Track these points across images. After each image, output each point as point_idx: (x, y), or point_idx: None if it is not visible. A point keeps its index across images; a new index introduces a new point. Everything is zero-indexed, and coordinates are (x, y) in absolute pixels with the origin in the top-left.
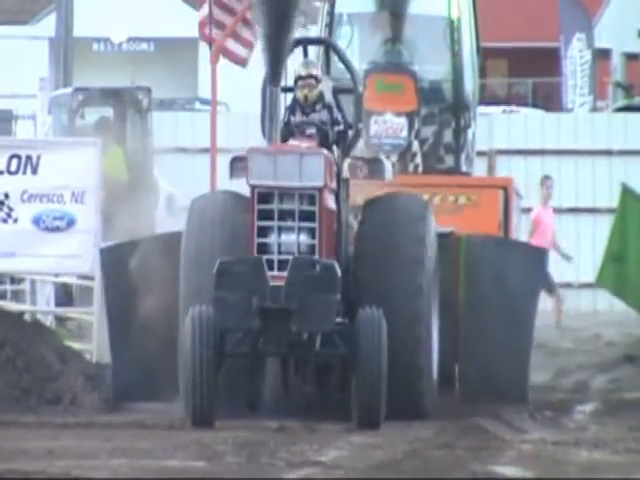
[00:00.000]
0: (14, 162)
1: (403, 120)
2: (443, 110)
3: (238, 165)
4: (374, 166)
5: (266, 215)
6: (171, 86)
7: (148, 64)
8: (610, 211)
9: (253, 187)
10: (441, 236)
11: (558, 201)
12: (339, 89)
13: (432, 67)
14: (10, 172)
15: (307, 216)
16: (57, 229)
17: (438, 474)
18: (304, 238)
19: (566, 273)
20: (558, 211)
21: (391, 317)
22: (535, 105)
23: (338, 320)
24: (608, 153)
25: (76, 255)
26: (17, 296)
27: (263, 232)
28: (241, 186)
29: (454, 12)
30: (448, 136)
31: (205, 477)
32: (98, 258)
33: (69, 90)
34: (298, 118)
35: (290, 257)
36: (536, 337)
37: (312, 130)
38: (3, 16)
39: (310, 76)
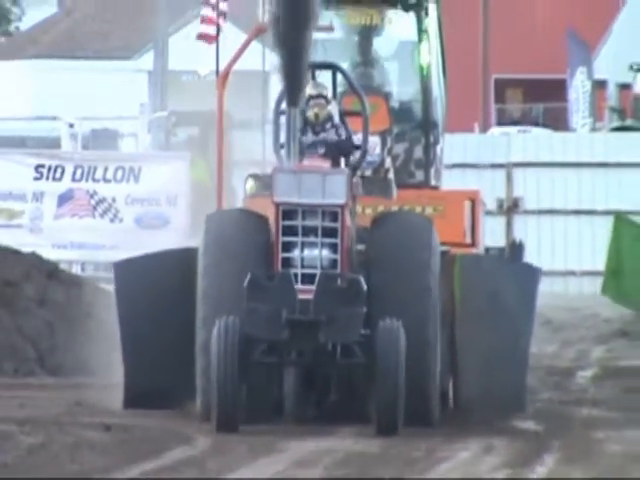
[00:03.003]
0: (119, 172)
1: (376, 139)
2: (413, 128)
3: (254, 183)
4: (382, 185)
5: (290, 231)
6: (246, 109)
7: (227, 91)
8: (606, 213)
9: (278, 204)
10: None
11: (564, 204)
12: (345, 111)
13: (402, 88)
14: (116, 180)
15: (329, 232)
16: (154, 227)
17: (467, 427)
18: (326, 253)
19: (570, 262)
20: (564, 213)
21: (401, 323)
22: (545, 126)
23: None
24: (605, 165)
25: None
26: None
27: (287, 247)
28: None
29: (423, 36)
30: (418, 152)
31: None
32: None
33: (165, 113)
34: (309, 138)
35: (313, 271)
36: (545, 315)
37: (323, 150)
38: (111, 53)
39: (320, 95)
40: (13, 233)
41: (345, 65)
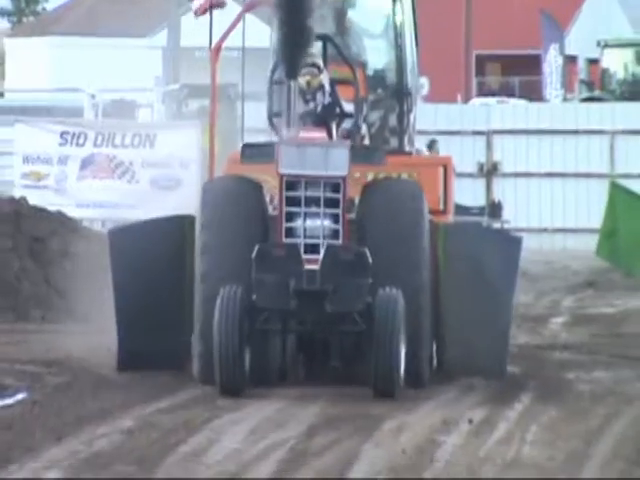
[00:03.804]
0: (136, 139)
1: (352, 107)
2: (388, 96)
3: (248, 152)
4: (373, 153)
5: (293, 202)
6: (252, 82)
7: (235, 66)
8: (576, 175)
9: (282, 175)
10: None
11: (538, 168)
12: (336, 80)
13: (378, 58)
14: (134, 146)
15: (331, 203)
16: (168, 188)
17: (454, 373)
18: (328, 223)
19: (544, 220)
20: (538, 175)
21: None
22: (521, 97)
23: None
24: (575, 132)
25: (182, 207)
26: None
27: (290, 217)
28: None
29: (397, 8)
30: (393, 120)
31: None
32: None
33: (177, 86)
34: (300, 106)
35: (316, 241)
36: (521, 268)
37: (314, 118)
38: (128, 31)
39: (313, 64)
40: (40, 193)
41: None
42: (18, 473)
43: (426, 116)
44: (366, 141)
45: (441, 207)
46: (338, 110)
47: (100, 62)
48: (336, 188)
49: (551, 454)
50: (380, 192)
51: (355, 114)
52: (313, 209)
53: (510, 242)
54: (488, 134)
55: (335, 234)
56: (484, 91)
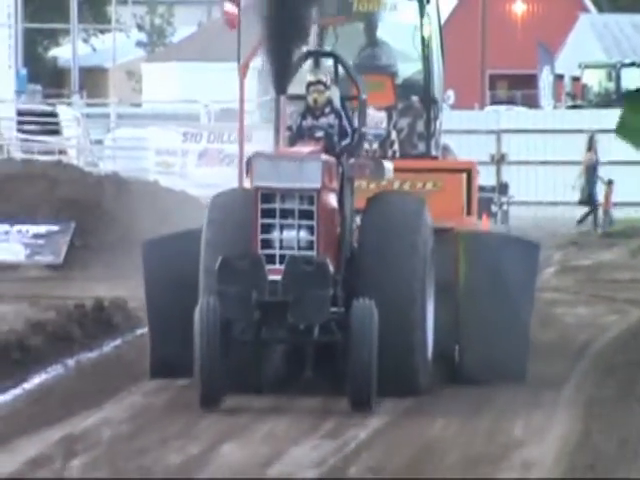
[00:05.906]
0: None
1: (383, 114)
2: (416, 104)
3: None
4: (375, 166)
5: (269, 213)
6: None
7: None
8: (564, 163)
9: (257, 188)
10: (442, 231)
11: (535, 157)
12: (345, 96)
13: (406, 67)
14: (237, 142)
15: (306, 215)
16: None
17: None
18: (303, 235)
19: (539, 195)
20: (535, 163)
21: (387, 301)
22: (523, 105)
23: (334, 310)
24: (562, 131)
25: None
26: None
27: (266, 229)
28: None
29: (425, 21)
30: (420, 126)
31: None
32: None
33: (268, 97)
34: (309, 122)
35: (291, 252)
36: (523, 232)
37: (320, 133)
38: (233, 57)
39: (319, 82)
40: (168, 177)
41: (355, 48)
42: (128, 398)
43: (452, 119)
44: (395, 146)
45: (465, 212)
46: (347, 125)
47: (212, 80)
48: (310, 200)
49: (543, 369)
50: (380, 206)
51: (359, 128)
52: (289, 221)
53: (529, 248)
54: (498, 133)
55: (310, 245)
56: (495, 100)
